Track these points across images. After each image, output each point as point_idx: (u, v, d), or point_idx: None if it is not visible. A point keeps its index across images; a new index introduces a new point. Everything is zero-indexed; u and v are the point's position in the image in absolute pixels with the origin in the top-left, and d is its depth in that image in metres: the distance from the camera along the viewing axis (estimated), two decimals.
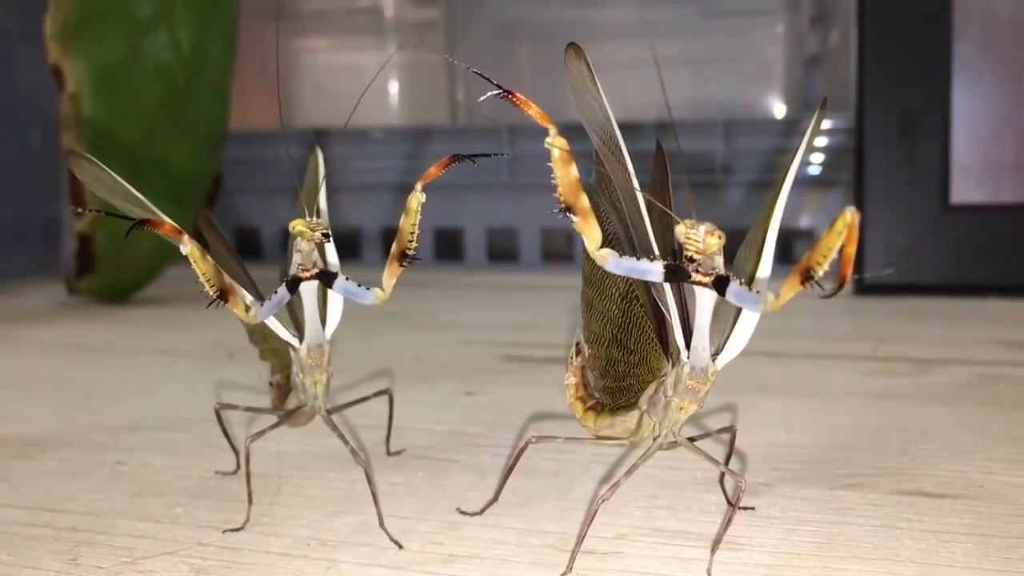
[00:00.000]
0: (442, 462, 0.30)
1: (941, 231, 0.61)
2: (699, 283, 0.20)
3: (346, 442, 0.25)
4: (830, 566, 0.22)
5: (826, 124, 0.73)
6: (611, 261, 0.20)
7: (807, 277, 0.18)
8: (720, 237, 0.19)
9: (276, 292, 0.24)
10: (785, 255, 0.75)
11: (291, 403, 0.28)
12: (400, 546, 0.24)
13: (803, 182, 0.75)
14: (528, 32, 0.86)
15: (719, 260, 0.20)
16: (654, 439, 0.24)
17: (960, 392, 0.39)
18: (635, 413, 0.24)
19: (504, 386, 0.41)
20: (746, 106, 0.82)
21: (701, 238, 0.19)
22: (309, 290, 0.25)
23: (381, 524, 0.24)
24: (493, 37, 0.86)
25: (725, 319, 0.21)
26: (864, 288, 0.63)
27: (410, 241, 0.23)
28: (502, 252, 0.85)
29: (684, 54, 0.83)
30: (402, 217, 0.22)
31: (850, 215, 0.17)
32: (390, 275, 0.23)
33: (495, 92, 0.20)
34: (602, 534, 0.24)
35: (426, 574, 0.22)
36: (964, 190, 0.61)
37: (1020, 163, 0.61)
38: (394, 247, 0.23)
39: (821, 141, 0.75)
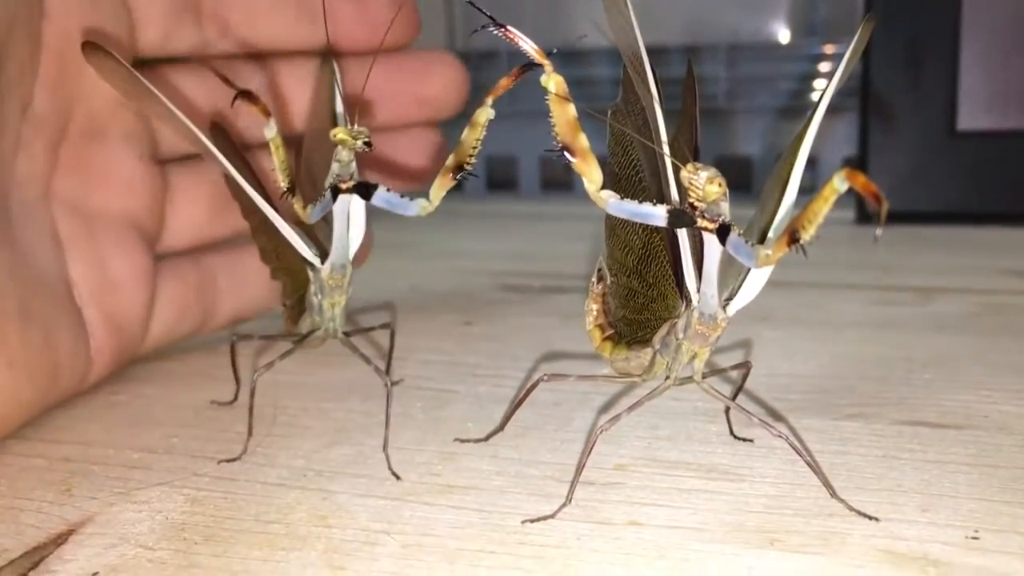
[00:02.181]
0: (440, 392, 0.30)
1: (947, 158, 0.60)
2: (704, 229, 0.19)
3: (370, 362, 0.25)
4: (831, 497, 0.22)
5: (831, 49, 0.72)
6: (611, 203, 0.20)
7: (793, 239, 0.17)
8: (720, 185, 0.19)
9: (322, 197, 0.24)
10: None
11: (304, 326, 0.28)
12: (398, 477, 0.23)
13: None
14: None
15: (724, 206, 0.19)
16: (665, 378, 0.23)
17: (964, 321, 0.38)
18: (648, 350, 0.24)
19: (503, 316, 0.40)
20: (749, 31, 0.80)
21: (701, 185, 0.19)
22: (342, 204, 0.24)
23: (385, 448, 0.24)
24: None
25: (740, 265, 0.21)
26: (867, 216, 0.62)
27: (470, 156, 0.22)
28: (501, 181, 0.84)
29: None
30: (466, 130, 0.21)
31: (839, 183, 0.16)
32: (441, 187, 0.22)
33: (488, 26, 0.19)
34: (601, 465, 0.24)
35: (423, 504, 0.22)
36: (971, 117, 0.60)
37: None
38: (451, 159, 0.22)
39: (826, 67, 0.73)
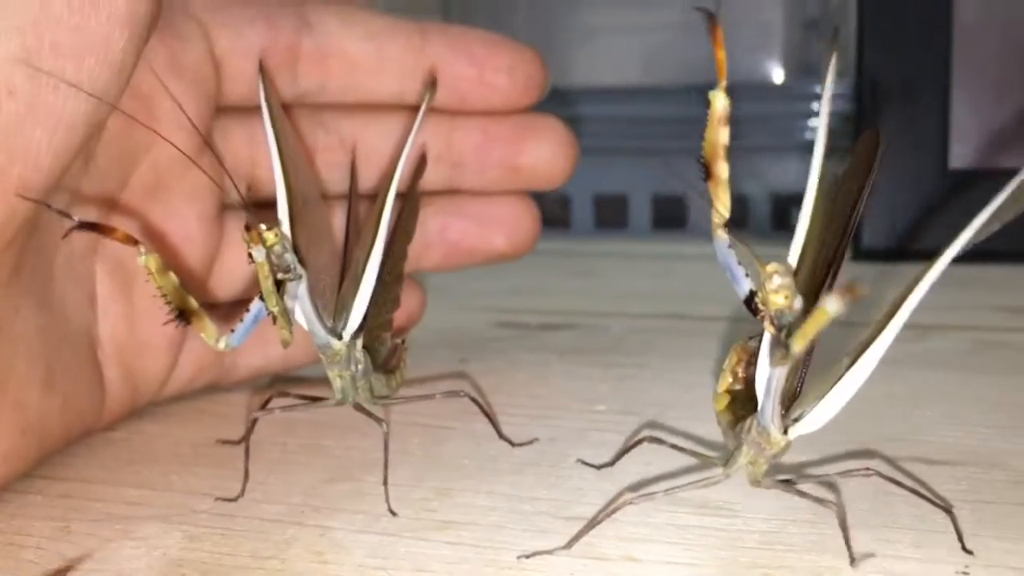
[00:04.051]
0: (437, 429, 0.30)
1: (940, 196, 0.61)
2: (766, 328, 0.18)
3: (371, 415, 0.25)
4: (825, 532, 0.22)
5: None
6: (718, 243, 0.19)
7: (785, 350, 0.17)
8: (787, 298, 0.17)
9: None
10: (780, 222, 0.74)
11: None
12: (394, 513, 0.24)
13: (804, 147, 0.74)
14: None
15: (788, 318, 0.18)
16: (724, 472, 0.22)
17: (960, 358, 0.38)
18: (735, 432, 0.22)
19: (499, 353, 0.41)
20: (744, 71, 0.81)
21: (769, 288, 0.17)
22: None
23: (385, 483, 0.24)
24: (489, 1, 0.85)
25: (820, 383, 0.20)
26: (863, 254, 0.62)
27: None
28: None
29: (681, 18, 0.82)
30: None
31: (832, 308, 0.15)
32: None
33: (703, 9, 0.18)
34: (594, 500, 0.24)
35: (419, 540, 0.22)
36: (963, 155, 0.61)
37: (1019, 128, 0.60)
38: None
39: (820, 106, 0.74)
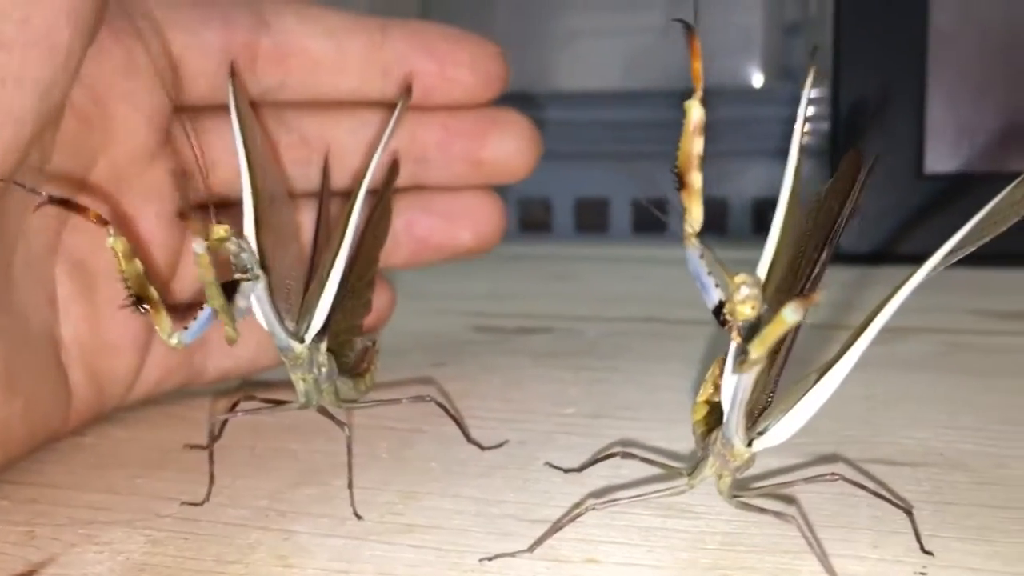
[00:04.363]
0: (407, 433, 0.30)
1: (915, 200, 0.61)
2: (732, 338, 0.18)
3: (332, 417, 0.25)
4: (786, 533, 0.22)
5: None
6: (689, 252, 0.19)
7: (744, 357, 0.17)
8: (754, 308, 0.17)
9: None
10: (760, 226, 0.75)
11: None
12: (359, 516, 0.24)
13: (784, 151, 0.75)
14: (505, 1, 0.85)
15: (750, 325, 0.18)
16: (687, 482, 0.22)
17: (929, 360, 0.39)
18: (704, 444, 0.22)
19: (473, 356, 0.41)
20: (724, 75, 0.81)
21: (735, 299, 0.17)
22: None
23: (350, 487, 0.24)
24: (469, 5, 0.85)
25: (787, 397, 0.20)
26: (839, 257, 0.63)
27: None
28: None
29: (662, 22, 0.82)
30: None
31: (789, 316, 0.15)
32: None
33: (681, 21, 0.19)
34: (561, 503, 0.24)
35: (383, 543, 0.22)
36: (938, 159, 0.61)
37: (994, 133, 0.61)
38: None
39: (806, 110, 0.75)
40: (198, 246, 0.21)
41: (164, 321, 0.22)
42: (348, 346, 0.29)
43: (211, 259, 0.22)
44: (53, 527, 0.23)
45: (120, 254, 0.21)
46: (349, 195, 0.30)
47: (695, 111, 0.18)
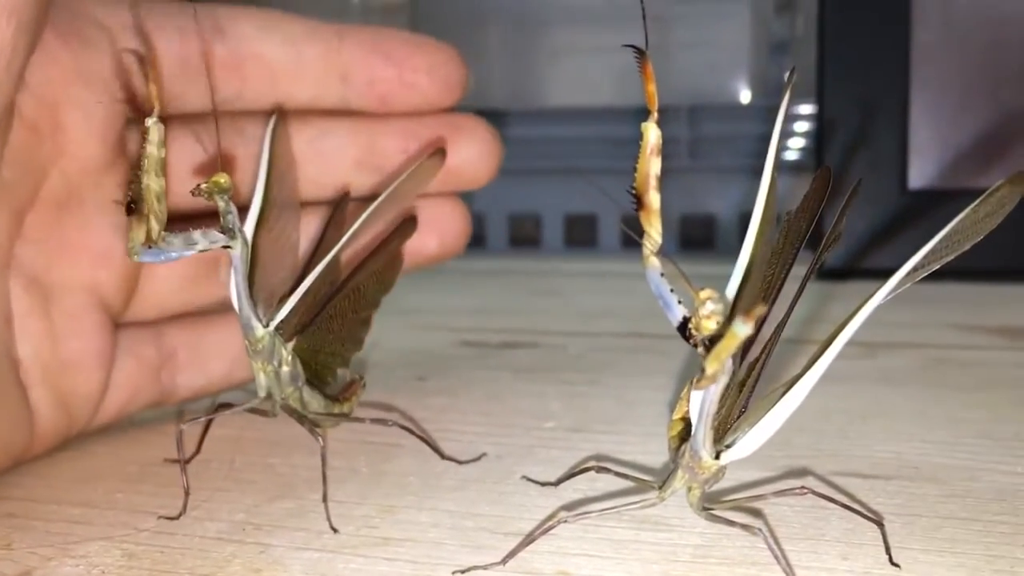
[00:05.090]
0: (385, 447, 0.30)
1: (899, 216, 0.62)
2: (700, 353, 0.19)
3: (304, 423, 0.26)
4: (757, 545, 0.22)
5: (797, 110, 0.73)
6: (649, 271, 0.19)
7: (701, 374, 0.18)
8: (719, 323, 0.18)
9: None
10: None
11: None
12: (335, 530, 0.24)
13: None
14: (496, 17, 0.86)
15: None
16: (658, 495, 0.22)
17: (907, 375, 0.39)
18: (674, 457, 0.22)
19: (456, 371, 0.41)
20: (711, 92, 0.82)
21: (702, 314, 0.18)
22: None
23: (325, 500, 0.24)
24: (460, 22, 0.86)
25: (757, 410, 0.21)
26: (822, 273, 0.63)
27: None
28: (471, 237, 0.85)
29: (653, 39, 0.82)
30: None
31: (739, 329, 0.16)
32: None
33: (632, 46, 0.19)
34: (536, 516, 0.24)
35: (358, 557, 0.22)
36: (922, 175, 0.62)
37: (977, 149, 0.61)
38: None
39: (786, 126, 0.75)
40: (151, 120, 0.22)
41: (139, 233, 0.22)
42: (330, 372, 0.30)
43: (162, 139, 0.22)
44: (31, 541, 0.24)
45: (154, 141, 0.22)
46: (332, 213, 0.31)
47: (651, 132, 0.19)
